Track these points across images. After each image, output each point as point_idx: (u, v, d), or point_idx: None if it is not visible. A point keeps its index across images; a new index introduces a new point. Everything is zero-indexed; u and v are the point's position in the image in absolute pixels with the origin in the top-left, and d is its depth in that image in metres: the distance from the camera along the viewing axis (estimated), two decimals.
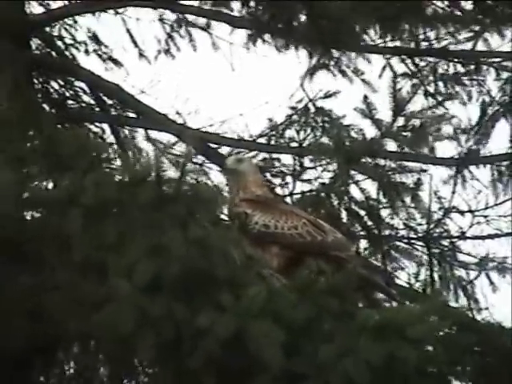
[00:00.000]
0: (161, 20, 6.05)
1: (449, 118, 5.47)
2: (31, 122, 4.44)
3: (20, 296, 3.47)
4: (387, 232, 5.50)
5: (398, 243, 5.44)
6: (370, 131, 4.99)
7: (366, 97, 4.98)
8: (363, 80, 5.79)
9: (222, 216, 3.66)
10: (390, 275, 5.19)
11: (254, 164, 3.84)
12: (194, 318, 3.14)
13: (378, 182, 4.97)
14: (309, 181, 5.69)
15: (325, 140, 5.62)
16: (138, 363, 3.65)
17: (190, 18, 5.94)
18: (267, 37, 5.62)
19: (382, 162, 4.97)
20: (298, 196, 5.39)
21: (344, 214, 4.98)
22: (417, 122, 4.91)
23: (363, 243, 5.17)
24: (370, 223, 5.09)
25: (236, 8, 5.67)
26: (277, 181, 5.73)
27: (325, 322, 3.25)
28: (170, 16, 6.03)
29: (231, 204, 3.70)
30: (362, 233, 5.10)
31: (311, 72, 5.89)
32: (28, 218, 3.57)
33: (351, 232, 4.93)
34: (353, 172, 4.92)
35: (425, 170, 5.23)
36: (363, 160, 4.86)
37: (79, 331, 3.39)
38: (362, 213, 5.06)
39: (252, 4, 5.55)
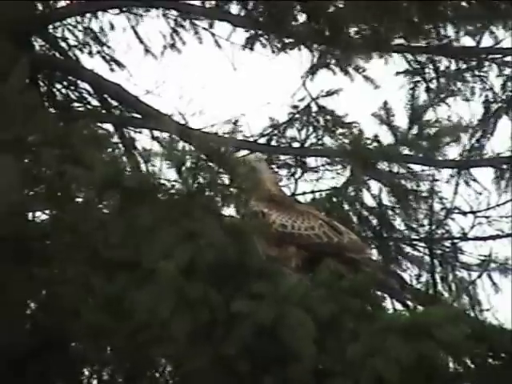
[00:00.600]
0: (164, 15, 6.03)
1: (464, 127, 5.43)
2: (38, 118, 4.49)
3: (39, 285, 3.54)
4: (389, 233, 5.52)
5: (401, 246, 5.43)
6: (385, 137, 5.02)
7: (386, 103, 4.96)
8: (365, 77, 5.76)
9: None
10: (402, 279, 5.22)
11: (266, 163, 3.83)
12: (228, 304, 3.20)
13: (390, 188, 4.97)
14: (311, 181, 5.72)
15: (337, 142, 5.64)
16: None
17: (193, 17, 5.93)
18: (265, 39, 5.59)
19: (394, 168, 4.97)
20: (309, 199, 5.39)
21: (355, 219, 4.99)
22: (432, 131, 4.91)
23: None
24: (379, 228, 5.11)
25: (235, 9, 5.67)
26: (283, 172, 5.75)
27: (347, 320, 3.31)
28: (174, 12, 6.02)
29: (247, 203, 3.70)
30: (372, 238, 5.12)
31: (312, 71, 5.87)
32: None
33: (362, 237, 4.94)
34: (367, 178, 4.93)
35: (437, 180, 5.23)
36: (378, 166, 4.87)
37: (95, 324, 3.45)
38: (372, 218, 5.08)
39: (250, 5, 5.53)
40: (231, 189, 3.46)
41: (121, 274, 3.39)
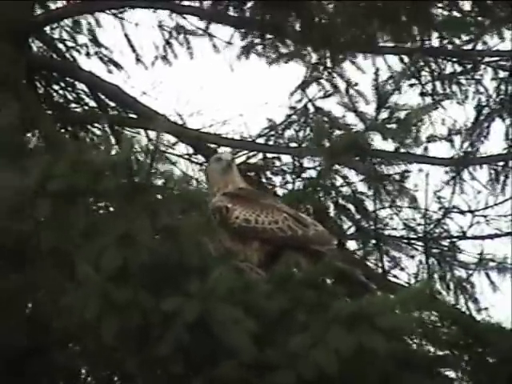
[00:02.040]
0: (160, 26, 6.07)
1: (432, 108, 5.44)
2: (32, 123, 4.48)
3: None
4: (386, 232, 5.52)
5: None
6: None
7: (347, 90, 4.96)
8: (357, 91, 5.76)
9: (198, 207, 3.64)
10: (375, 269, 5.21)
11: (231, 160, 3.80)
12: (161, 304, 3.14)
13: (364, 175, 4.97)
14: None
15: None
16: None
17: (190, 19, 5.96)
18: (261, 48, 5.62)
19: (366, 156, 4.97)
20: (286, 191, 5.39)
21: (332, 208, 4.98)
22: (401, 114, 4.91)
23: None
24: (358, 217, 5.11)
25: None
26: (277, 179, 5.76)
27: (299, 313, 3.26)
28: (169, 23, 6.07)
29: (213, 198, 3.69)
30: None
31: (303, 87, 5.89)
32: None
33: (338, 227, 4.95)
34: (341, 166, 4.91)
35: (410, 162, 5.22)
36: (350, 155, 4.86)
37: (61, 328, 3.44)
38: (350, 207, 5.07)
39: (246, 9, 5.56)
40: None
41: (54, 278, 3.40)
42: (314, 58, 5.77)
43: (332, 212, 4.99)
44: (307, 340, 3.15)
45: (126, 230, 3.24)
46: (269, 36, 5.60)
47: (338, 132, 5.72)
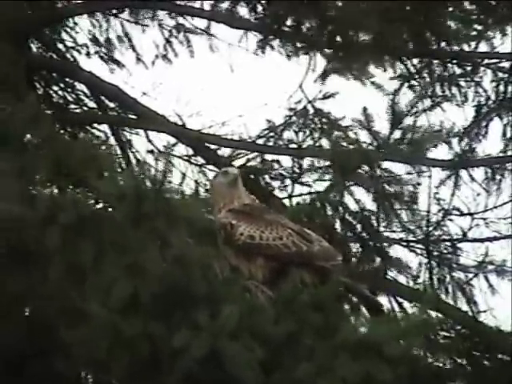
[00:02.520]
0: (160, 25, 6.05)
1: (445, 134, 5.45)
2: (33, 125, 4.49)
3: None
4: (386, 234, 5.51)
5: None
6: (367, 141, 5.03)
7: (365, 108, 4.97)
8: (373, 83, 5.76)
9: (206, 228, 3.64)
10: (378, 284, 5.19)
11: (238, 175, 3.79)
12: (172, 337, 3.15)
13: (373, 193, 4.98)
14: (307, 184, 5.72)
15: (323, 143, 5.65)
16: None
17: (189, 19, 5.95)
18: (276, 43, 5.61)
19: (377, 172, 4.98)
20: (294, 203, 5.39)
21: (338, 224, 4.98)
22: (414, 136, 4.92)
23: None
24: (363, 234, 5.10)
25: (243, 13, 5.69)
26: (276, 183, 5.75)
27: (306, 337, 3.27)
28: (169, 22, 6.06)
29: (217, 214, 3.69)
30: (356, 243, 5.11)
31: (323, 76, 5.88)
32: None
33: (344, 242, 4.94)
34: (348, 182, 4.93)
35: (419, 184, 5.24)
36: (359, 170, 4.87)
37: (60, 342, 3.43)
38: (356, 223, 5.07)
39: (260, 9, 5.56)
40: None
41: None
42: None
43: (338, 228, 4.98)
44: (315, 367, 3.17)
45: (134, 260, 3.25)
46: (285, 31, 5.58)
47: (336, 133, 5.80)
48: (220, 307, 3.20)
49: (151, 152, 5.99)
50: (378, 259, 5.26)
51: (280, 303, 3.37)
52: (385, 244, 5.30)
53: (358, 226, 5.13)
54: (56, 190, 3.86)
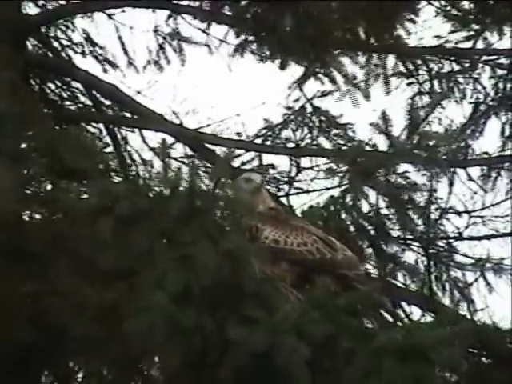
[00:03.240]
0: (155, 31, 6.03)
1: (461, 142, 5.43)
2: (31, 121, 4.47)
3: (27, 299, 3.51)
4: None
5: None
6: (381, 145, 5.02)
7: (384, 113, 4.96)
8: (355, 85, 5.75)
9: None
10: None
11: (261, 183, 3.82)
12: (222, 330, 3.19)
13: (388, 197, 4.98)
14: (305, 181, 5.73)
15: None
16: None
17: (187, 20, 5.92)
18: (254, 47, 5.58)
19: (392, 178, 4.97)
20: (306, 208, 5.38)
21: (352, 228, 4.98)
22: (430, 142, 4.91)
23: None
24: (377, 238, 5.10)
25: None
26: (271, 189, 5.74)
27: (343, 340, 3.29)
28: (165, 29, 6.04)
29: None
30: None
31: (300, 82, 5.87)
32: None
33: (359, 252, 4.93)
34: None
35: (435, 190, 5.24)
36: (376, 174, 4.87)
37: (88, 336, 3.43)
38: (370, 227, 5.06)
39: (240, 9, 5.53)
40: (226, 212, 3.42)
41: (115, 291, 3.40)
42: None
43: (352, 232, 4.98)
44: (359, 369, 3.20)
45: (186, 253, 3.27)
46: (263, 34, 5.56)
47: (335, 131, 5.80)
48: (267, 304, 3.24)
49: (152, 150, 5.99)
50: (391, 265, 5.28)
51: (314, 306, 3.36)
52: (398, 249, 5.31)
53: (372, 231, 5.13)
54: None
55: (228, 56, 5.73)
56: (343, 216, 4.84)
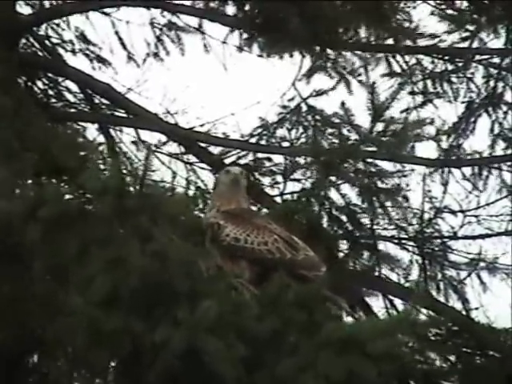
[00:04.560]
0: (151, 24, 6.03)
1: (428, 122, 5.45)
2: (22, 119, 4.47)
3: None
4: (377, 232, 5.52)
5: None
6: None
7: (343, 103, 4.99)
8: (360, 81, 5.77)
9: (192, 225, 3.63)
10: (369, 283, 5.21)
11: (241, 175, 3.78)
12: (152, 332, 3.15)
13: (358, 187, 4.99)
14: (299, 180, 5.71)
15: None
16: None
17: (182, 17, 5.93)
18: (261, 41, 5.59)
19: (361, 166, 4.98)
20: (280, 201, 5.39)
21: (325, 219, 4.99)
22: (397, 127, 4.92)
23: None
24: (351, 228, 5.11)
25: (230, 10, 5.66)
26: (266, 180, 5.75)
27: (290, 334, 3.27)
28: (161, 20, 6.04)
29: (208, 213, 3.70)
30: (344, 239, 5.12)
31: (308, 74, 5.87)
32: None
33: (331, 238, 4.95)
34: (334, 177, 4.93)
35: (405, 175, 5.25)
36: (344, 165, 4.87)
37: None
38: (344, 218, 5.08)
39: (247, 7, 5.53)
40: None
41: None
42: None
43: (325, 223, 4.99)
44: (297, 363, 3.17)
45: (116, 255, 3.25)
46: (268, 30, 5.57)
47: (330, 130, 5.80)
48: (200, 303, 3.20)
49: (134, 143, 5.99)
50: (367, 254, 5.28)
51: (265, 301, 3.37)
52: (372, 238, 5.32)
53: (346, 222, 5.14)
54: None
55: (227, 56, 5.76)
56: (316, 208, 4.84)
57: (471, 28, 5.81)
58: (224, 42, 5.80)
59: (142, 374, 3.19)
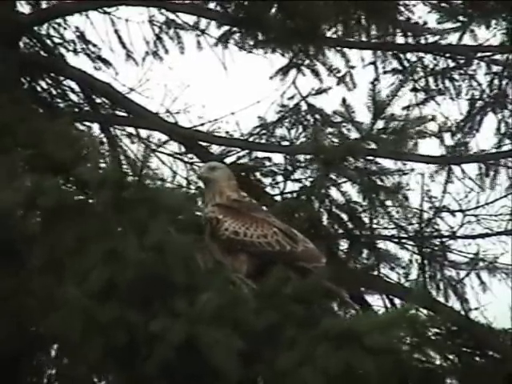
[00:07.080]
0: (150, 22, 6.03)
1: (430, 119, 5.44)
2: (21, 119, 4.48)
3: None
4: (377, 231, 5.53)
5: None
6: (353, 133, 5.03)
7: (344, 99, 4.98)
8: (339, 78, 5.75)
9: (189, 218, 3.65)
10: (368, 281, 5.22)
11: (227, 170, 3.80)
12: (149, 324, 3.17)
13: (358, 184, 4.99)
14: (299, 180, 5.72)
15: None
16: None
17: (181, 16, 5.93)
18: (238, 37, 5.58)
19: (362, 164, 4.98)
20: (280, 200, 5.39)
21: (325, 217, 4.99)
22: (397, 124, 4.91)
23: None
24: (351, 226, 5.12)
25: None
26: (267, 180, 5.75)
27: (288, 328, 3.30)
28: (160, 18, 6.04)
29: (206, 209, 3.71)
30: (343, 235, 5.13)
31: (284, 72, 5.87)
32: None
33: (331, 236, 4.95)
34: (334, 175, 4.94)
35: (406, 173, 5.25)
36: (344, 163, 4.88)
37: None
38: (344, 216, 5.09)
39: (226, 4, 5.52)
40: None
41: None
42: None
43: (325, 221, 4.99)
44: (296, 357, 3.20)
45: (113, 247, 3.27)
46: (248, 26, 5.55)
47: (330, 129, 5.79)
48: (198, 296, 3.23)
49: (129, 136, 6.01)
50: (367, 252, 5.29)
51: (263, 295, 3.40)
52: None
53: (346, 219, 5.15)
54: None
55: (210, 46, 5.75)
56: (316, 206, 4.86)
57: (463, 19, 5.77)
58: (219, 40, 5.76)
59: (138, 367, 3.21)
